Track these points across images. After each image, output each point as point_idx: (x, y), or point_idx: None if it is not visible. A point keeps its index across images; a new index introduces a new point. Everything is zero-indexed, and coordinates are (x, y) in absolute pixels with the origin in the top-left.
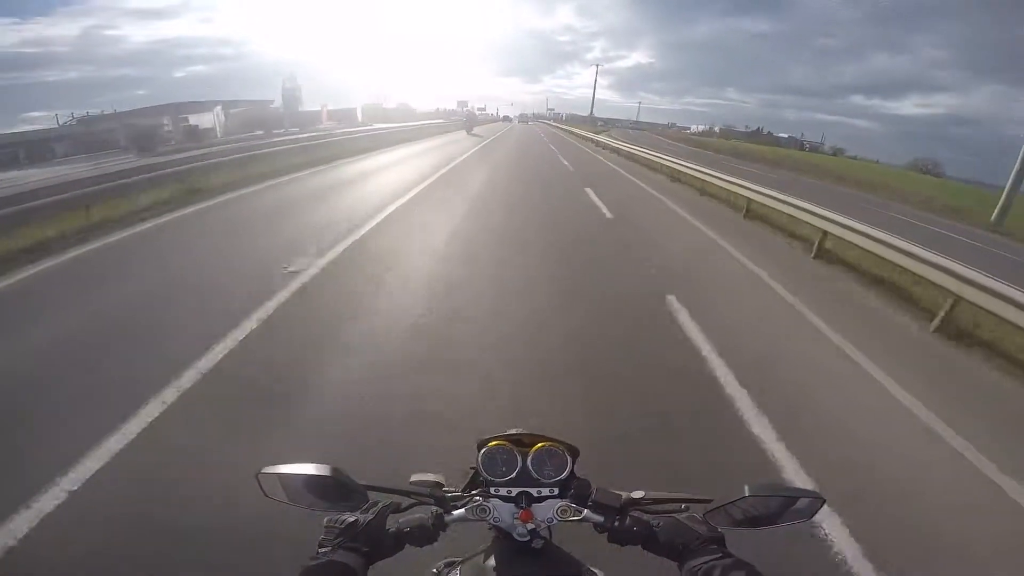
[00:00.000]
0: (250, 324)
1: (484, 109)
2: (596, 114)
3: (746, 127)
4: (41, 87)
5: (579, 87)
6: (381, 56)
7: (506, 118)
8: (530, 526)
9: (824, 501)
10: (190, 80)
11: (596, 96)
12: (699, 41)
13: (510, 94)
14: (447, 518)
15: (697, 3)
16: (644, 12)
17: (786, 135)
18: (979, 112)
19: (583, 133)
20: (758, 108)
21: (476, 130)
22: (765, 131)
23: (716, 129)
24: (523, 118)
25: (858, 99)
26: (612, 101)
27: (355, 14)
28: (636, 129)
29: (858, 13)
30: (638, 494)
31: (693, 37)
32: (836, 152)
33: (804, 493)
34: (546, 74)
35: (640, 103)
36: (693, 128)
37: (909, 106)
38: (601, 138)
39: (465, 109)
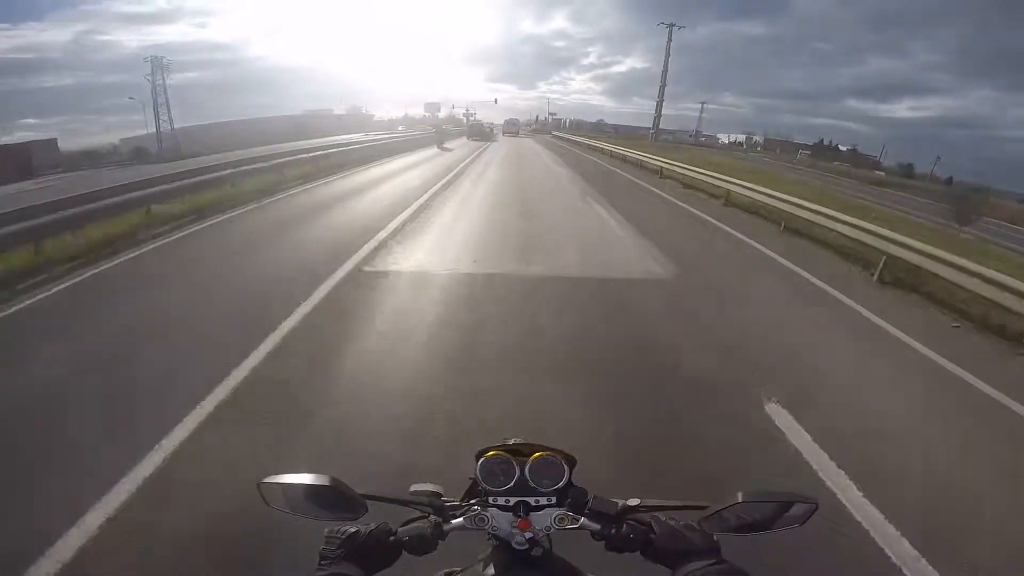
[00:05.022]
0: None
1: (475, 115)
2: (593, 121)
3: (821, 141)
4: (37, 93)
5: (573, 93)
6: (375, 61)
7: (474, 126)
8: (528, 534)
9: (817, 507)
10: (185, 86)
11: (590, 103)
12: (695, 45)
13: (504, 99)
14: (446, 527)
15: (693, 7)
16: (639, 17)
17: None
18: (972, 115)
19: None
20: (752, 113)
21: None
22: (832, 144)
23: (757, 139)
24: (510, 124)
25: (852, 102)
26: (607, 107)
27: (356, 21)
28: (698, 145)
29: (854, 15)
30: (634, 502)
31: (689, 41)
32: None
33: (798, 499)
34: (541, 80)
35: (703, 104)
36: (721, 139)
37: (903, 109)
38: None
39: (437, 116)
